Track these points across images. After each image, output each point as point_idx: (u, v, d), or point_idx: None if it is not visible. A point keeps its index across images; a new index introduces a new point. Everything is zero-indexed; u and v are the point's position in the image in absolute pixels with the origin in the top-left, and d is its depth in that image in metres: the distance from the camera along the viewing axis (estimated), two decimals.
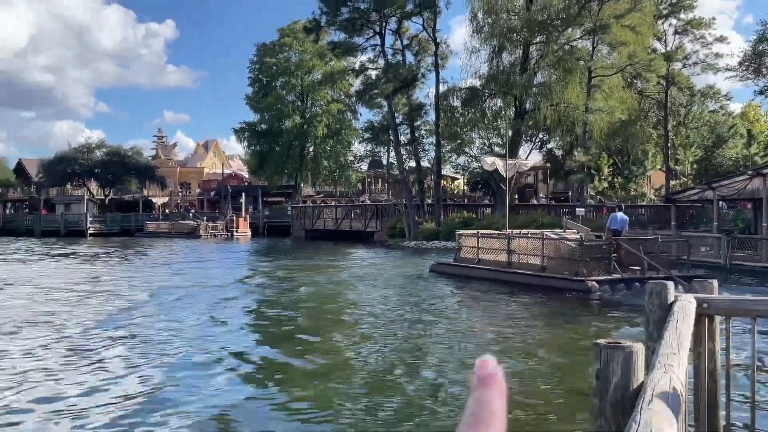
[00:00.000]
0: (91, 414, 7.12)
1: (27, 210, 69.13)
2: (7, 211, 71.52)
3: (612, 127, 36.71)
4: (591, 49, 36.78)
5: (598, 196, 44.52)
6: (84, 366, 9.29)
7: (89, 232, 56.00)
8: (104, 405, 7.43)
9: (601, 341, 2.43)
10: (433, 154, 45.40)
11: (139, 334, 11.68)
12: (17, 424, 6.85)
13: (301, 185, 69.97)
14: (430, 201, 44.58)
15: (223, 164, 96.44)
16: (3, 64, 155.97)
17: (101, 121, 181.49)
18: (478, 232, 21.63)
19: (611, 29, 34.54)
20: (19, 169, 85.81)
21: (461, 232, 22.71)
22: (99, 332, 11.83)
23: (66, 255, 33.20)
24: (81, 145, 69.63)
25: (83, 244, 44.98)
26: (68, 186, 73.78)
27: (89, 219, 58.22)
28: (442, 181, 48.67)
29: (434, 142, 44.03)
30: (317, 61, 60.93)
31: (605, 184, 45.12)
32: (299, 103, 66.41)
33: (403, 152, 45.26)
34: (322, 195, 72.34)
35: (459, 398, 7.45)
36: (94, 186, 71.53)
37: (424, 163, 46.81)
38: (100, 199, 70.24)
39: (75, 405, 7.45)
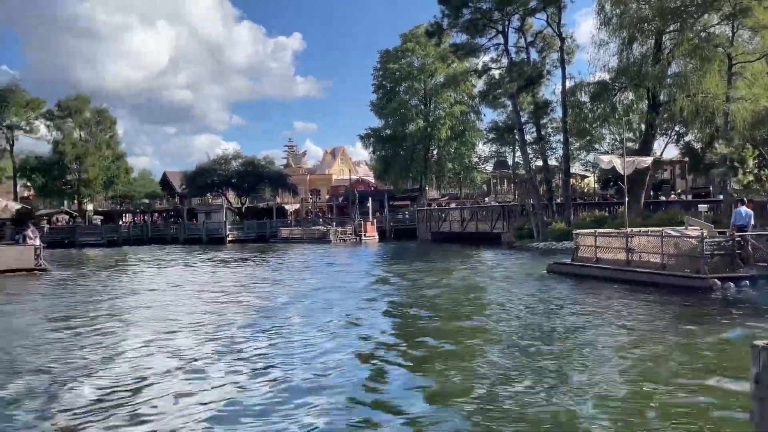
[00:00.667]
0: (238, 406, 7.57)
1: (172, 219, 74.04)
2: (155, 221, 76.69)
3: (756, 116, 34.11)
4: (730, 34, 34.43)
5: (743, 190, 41.62)
6: (231, 360, 9.87)
7: (228, 239, 59.12)
8: (252, 397, 7.88)
9: (760, 343, 2.32)
10: (560, 152, 44.31)
11: (283, 332, 12.25)
12: (170, 414, 7.39)
13: (426, 188, 70.38)
14: (559, 200, 43.50)
15: (350, 170, 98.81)
16: (147, 84, 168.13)
17: (236, 134, 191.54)
18: (595, 231, 21.47)
19: (753, 12, 32.19)
20: (164, 181, 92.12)
21: (578, 231, 22.62)
22: (247, 331, 12.54)
23: (211, 260, 35.28)
24: (219, 157, 73.64)
25: (224, 250, 47.58)
26: (208, 195, 78.33)
27: (228, 227, 61.47)
28: (571, 180, 47.34)
29: (562, 139, 42.95)
30: (439, 64, 61.14)
31: (750, 177, 42.09)
32: (422, 106, 66.90)
33: (529, 151, 44.46)
34: (447, 197, 72.40)
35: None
36: (231, 195, 75.42)
37: (552, 162, 45.78)
38: (237, 207, 73.96)
39: (220, 398, 7.95)
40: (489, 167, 70.89)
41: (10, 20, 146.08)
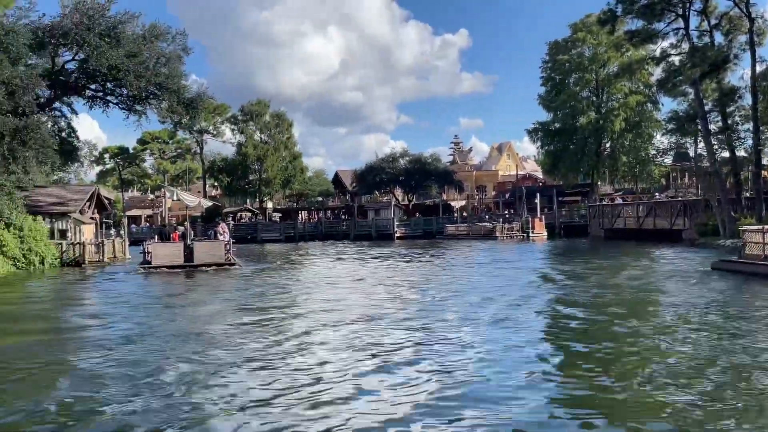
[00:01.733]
0: (393, 404, 7.74)
1: (343, 216, 77.07)
2: (328, 218, 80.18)
3: None
4: None
5: None
6: (409, 356, 10.12)
7: (396, 235, 60.46)
8: (409, 395, 8.03)
9: None
10: (749, 142, 40.69)
11: (446, 328, 12.34)
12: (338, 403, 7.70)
13: (598, 183, 67.63)
14: (748, 194, 40.00)
15: (516, 166, 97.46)
16: (320, 87, 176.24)
17: (403, 132, 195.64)
18: (764, 228, 20.56)
19: None
20: (336, 179, 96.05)
21: (746, 227, 22.19)
22: (418, 326, 12.76)
23: (381, 256, 36.31)
24: (387, 156, 75.58)
25: (392, 246, 48.75)
26: (377, 193, 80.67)
27: (396, 223, 62.88)
28: (763, 172, 43.28)
29: (751, 128, 39.42)
30: (612, 53, 58.47)
31: None
32: (594, 98, 64.35)
33: (713, 142, 41.25)
34: (621, 192, 69.09)
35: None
36: (399, 192, 77.09)
37: (740, 153, 42.13)
38: (404, 204, 75.47)
39: (393, 394, 8.16)
40: (668, 160, 66.76)
41: (200, 33, 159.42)
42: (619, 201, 52.22)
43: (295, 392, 8.32)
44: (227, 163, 77.57)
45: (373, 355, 10.33)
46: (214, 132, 79.65)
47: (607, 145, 64.72)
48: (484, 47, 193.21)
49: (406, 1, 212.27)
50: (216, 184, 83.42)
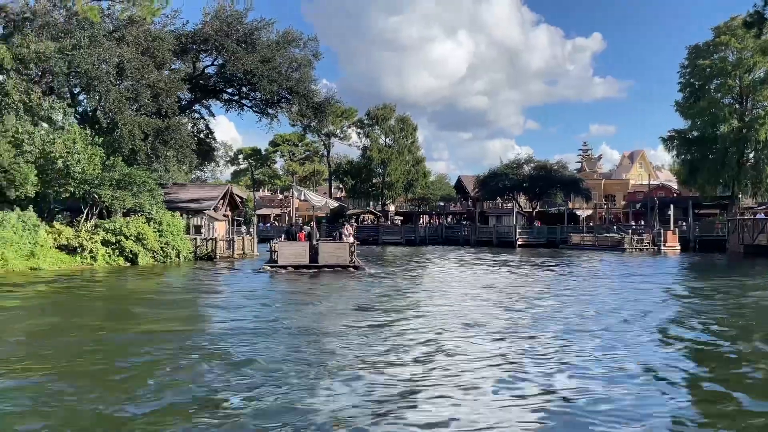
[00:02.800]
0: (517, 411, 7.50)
1: (464, 221, 76.62)
2: (449, 223, 79.93)
3: None
4: None
5: None
6: (508, 364, 9.85)
7: (518, 243, 59.34)
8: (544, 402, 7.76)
9: None
10: None
11: (575, 342, 11.89)
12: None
13: (739, 196, 63.21)
14: None
15: (649, 175, 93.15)
16: (446, 92, 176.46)
17: (530, 138, 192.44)
18: None
19: None
20: (459, 184, 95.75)
21: None
22: (548, 337, 12.40)
23: (504, 263, 35.70)
24: (511, 161, 74.43)
25: (513, 254, 47.86)
26: (499, 199, 79.63)
27: (518, 231, 61.72)
28: None
29: None
30: (760, 57, 54.50)
31: None
32: (737, 105, 60.19)
33: None
34: (765, 207, 64.18)
35: None
36: (522, 199, 75.67)
37: None
38: (527, 211, 73.97)
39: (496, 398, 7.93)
40: None
41: (331, 39, 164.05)
42: (761, 216, 48.50)
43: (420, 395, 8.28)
44: (352, 166, 79.28)
45: (493, 365, 10.12)
46: (341, 135, 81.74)
47: (751, 155, 60.33)
48: (618, 51, 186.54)
49: (537, 5, 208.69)
50: (341, 186, 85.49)
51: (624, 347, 11.66)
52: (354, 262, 28.89)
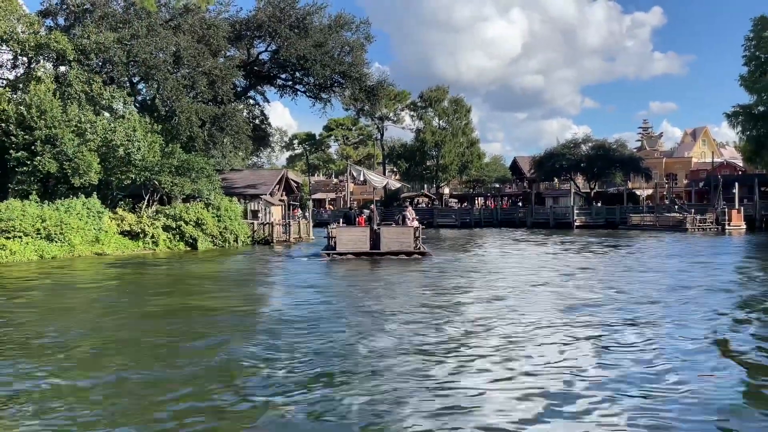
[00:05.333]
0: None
1: (520, 203, 75.68)
2: (504, 205, 79.19)
3: None
4: None
5: None
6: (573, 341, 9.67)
7: (575, 224, 58.34)
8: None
9: None
10: None
11: (643, 321, 11.64)
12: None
13: None
14: None
15: (713, 153, 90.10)
16: (500, 72, 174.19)
17: (587, 117, 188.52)
18: None
19: None
20: (514, 166, 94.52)
21: None
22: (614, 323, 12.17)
23: (562, 244, 35.13)
24: (568, 141, 72.94)
25: (571, 235, 47.07)
26: (556, 180, 78.29)
27: (575, 211, 60.64)
28: None
29: None
30: None
31: None
32: None
33: None
34: None
35: None
36: (580, 179, 74.22)
37: None
38: (585, 192, 72.55)
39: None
40: None
41: (383, 21, 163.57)
42: None
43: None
44: (406, 149, 79.09)
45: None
46: (395, 118, 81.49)
47: None
48: (679, 25, 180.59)
49: None
50: (395, 169, 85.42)
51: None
52: (419, 248, 26.62)
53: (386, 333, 11.17)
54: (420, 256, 26.08)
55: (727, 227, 47.40)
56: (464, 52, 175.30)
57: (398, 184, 31.33)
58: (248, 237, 36.41)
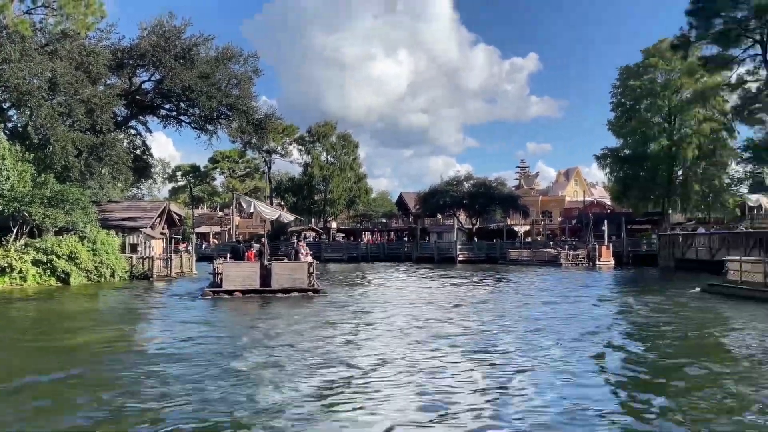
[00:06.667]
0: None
1: (406, 238, 77.01)
2: (391, 239, 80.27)
3: None
4: None
5: None
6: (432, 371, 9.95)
7: (458, 258, 60.01)
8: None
9: None
10: None
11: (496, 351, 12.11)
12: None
13: (669, 212, 65.57)
14: None
15: (584, 192, 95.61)
16: (387, 109, 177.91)
17: (469, 155, 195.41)
18: (740, 258, 25.68)
19: None
20: (400, 201, 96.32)
21: (727, 258, 27.63)
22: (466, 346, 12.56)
23: (447, 278, 36.00)
24: (451, 179, 75.29)
25: (455, 269, 48.35)
26: (440, 216, 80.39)
27: (458, 247, 62.44)
28: None
29: None
30: (686, 78, 56.92)
31: None
32: (666, 125, 62.58)
33: None
34: (693, 222, 66.75)
35: None
36: (462, 215, 76.58)
37: None
38: (468, 228, 74.91)
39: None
40: (743, 189, 64.20)
41: (271, 56, 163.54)
42: (701, 230, 50.23)
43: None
44: (294, 183, 78.90)
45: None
46: (282, 152, 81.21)
47: (679, 173, 62.78)
48: (554, 71, 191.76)
49: (474, 26, 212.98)
50: (282, 203, 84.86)
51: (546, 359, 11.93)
52: (313, 285, 25.23)
53: (262, 382, 10.24)
54: (314, 294, 24.75)
55: (597, 262, 50.28)
56: (352, 89, 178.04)
57: (291, 217, 29.85)
58: (126, 272, 34.94)
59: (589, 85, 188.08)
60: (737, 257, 26.84)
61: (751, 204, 30.64)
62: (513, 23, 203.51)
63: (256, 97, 44.11)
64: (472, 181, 73.94)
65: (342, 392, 9.52)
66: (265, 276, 24.78)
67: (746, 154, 54.82)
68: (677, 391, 9.77)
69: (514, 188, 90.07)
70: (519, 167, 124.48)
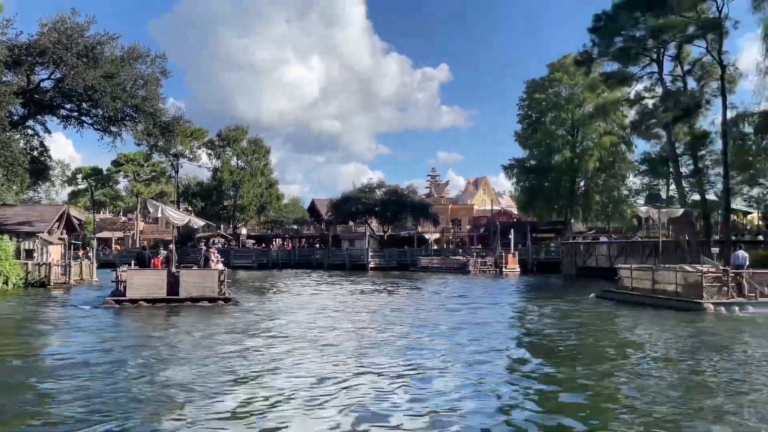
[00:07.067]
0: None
1: (318, 245, 76.62)
2: (302, 246, 79.63)
3: None
4: None
5: None
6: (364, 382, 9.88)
7: (370, 266, 60.23)
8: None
9: None
10: (720, 186, 41.36)
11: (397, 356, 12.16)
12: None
13: (572, 221, 68.20)
14: (717, 238, 40.56)
15: (492, 201, 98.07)
16: (300, 114, 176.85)
17: (381, 163, 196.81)
18: (631, 266, 28.12)
19: None
20: (312, 208, 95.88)
21: (619, 266, 29.94)
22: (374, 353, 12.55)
23: (357, 285, 35.98)
24: (364, 186, 75.59)
25: (366, 276, 48.46)
26: (352, 223, 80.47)
27: (370, 254, 62.67)
28: (733, 216, 43.97)
29: (721, 173, 40.11)
30: (588, 93, 59.43)
31: None
32: (569, 137, 65.19)
33: (684, 185, 41.95)
34: (594, 231, 69.72)
35: None
36: (374, 223, 76.96)
37: (710, 197, 42.81)
38: (379, 235, 75.33)
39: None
40: (640, 200, 67.61)
41: (180, 57, 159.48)
42: (604, 239, 52.42)
43: None
44: (202, 188, 77.07)
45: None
46: (191, 156, 79.13)
47: (581, 183, 65.45)
48: (464, 82, 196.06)
49: (386, 35, 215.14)
50: (189, 208, 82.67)
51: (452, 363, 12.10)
52: (224, 293, 24.18)
53: (166, 399, 9.52)
54: (224, 302, 23.69)
55: (504, 269, 51.63)
56: (264, 93, 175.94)
57: (201, 222, 28.57)
58: (21, 279, 33.04)
59: (497, 96, 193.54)
60: (628, 265, 28.80)
61: (641, 215, 32.86)
62: (425, 34, 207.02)
63: (164, 99, 42.53)
64: (384, 189, 74.48)
65: (255, 411, 9.26)
66: (173, 284, 23.56)
67: (643, 167, 57.76)
68: (551, 393, 10.07)
69: (425, 196, 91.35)
70: (430, 176, 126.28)
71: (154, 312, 21.88)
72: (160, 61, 41.54)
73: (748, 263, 23.90)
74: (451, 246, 72.02)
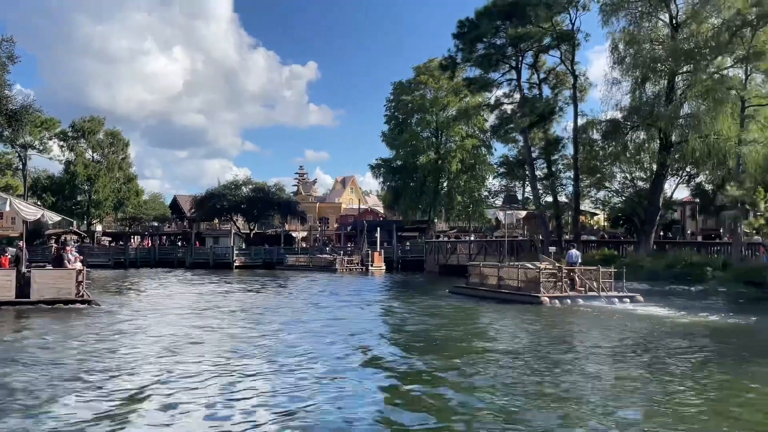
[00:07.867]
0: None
1: (180, 243, 74.05)
2: (163, 244, 76.64)
3: None
4: (744, 77, 34.52)
5: (753, 233, 41.26)
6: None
7: (235, 264, 59.06)
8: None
9: None
10: (570, 188, 44.21)
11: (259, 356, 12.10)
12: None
13: (435, 220, 70.31)
14: (567, 237, 43.32)
15: (359, 200, 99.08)
16: (160, 107, 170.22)
17: (248, 160, 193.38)
18: (480, 264, 30.54)
19: (766, 56, 32.32)
20: (174, 204, 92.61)
21: (470, 263, 32.68)
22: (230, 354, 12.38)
23: (218, 285, 35.15)
24: (229, 182, 73.95)
25: (230, 275, 47.47)
26: (217, 220, 78.50)
27: (235, 252, 61.45)
28: (581, 217, 47.15)
29: (572, 176, 42.88)
30: (452, 97, 61.52)
31: (762, 221, 41.80)
32: (434, 139, 67.16)
33: (539, 187, 44.43)
34: (455, 230, 72.29)
35: None
36: (240, 220, 75.52)
37: (562, 198, 45.63)
38: (245, 233, 74.03)
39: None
40: (498, 201, 70.79)
41: (29, 43, 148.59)
42: (472, 238, 54.39)
43: None
44: (53, 182, 72.32)
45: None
46: (40, 147, 73.86)
47: (445, 184, 67.57)
48: (332, 81, 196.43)
49: (254, 29, 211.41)
50: (39, 203, 77.23)
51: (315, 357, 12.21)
52: (83, 295, 22.17)
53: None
54: (83, 305, 21.74)
55: (370, 268, 52.37)
56: (122, 84, 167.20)
57: (57, 218, 26.10)
58: None
59: (365, 96, 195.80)
60: (477, 263, 31.30)
61: (489, 216, 35.21)
62: (293, 30, 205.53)
63: (11, 85, 39.83)
64: (250, 186, 73.28)
65: (115, 420, 8.82)
66: (23, 285, 21.56)
67: (501, 170, 60.51)
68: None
69: (292, 194, 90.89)
70: (298, 173, 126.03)
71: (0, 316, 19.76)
72: (7, 45, 38.87)
73: (580, 261, 26.49)
74: (318, 244, 72.10)
